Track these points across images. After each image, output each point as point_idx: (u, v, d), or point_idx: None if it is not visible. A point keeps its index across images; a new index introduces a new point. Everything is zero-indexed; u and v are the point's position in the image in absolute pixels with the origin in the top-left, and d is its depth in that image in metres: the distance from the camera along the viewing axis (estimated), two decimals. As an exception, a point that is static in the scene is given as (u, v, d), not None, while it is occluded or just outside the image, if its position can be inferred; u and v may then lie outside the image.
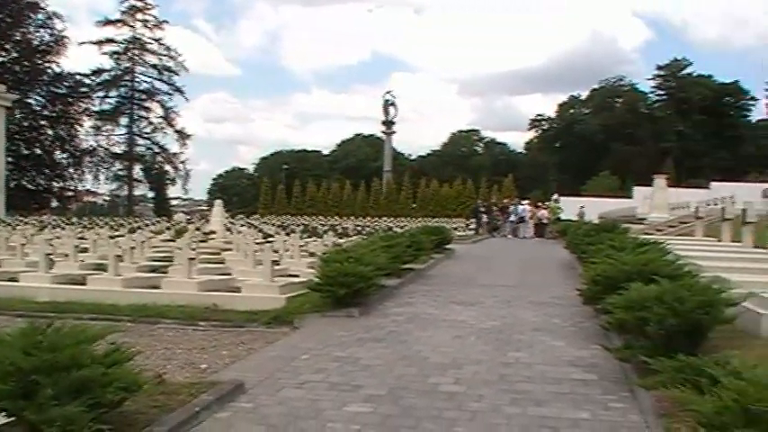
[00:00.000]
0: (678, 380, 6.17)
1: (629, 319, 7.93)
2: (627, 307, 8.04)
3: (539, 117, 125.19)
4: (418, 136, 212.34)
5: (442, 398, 7.39)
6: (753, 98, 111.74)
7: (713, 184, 60.11)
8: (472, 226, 46.33)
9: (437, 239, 24.68)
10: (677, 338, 7.48)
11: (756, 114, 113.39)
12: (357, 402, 7.17)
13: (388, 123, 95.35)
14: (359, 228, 49.27)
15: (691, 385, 5.72)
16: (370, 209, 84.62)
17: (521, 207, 43.95)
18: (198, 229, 36.91)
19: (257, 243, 19.83)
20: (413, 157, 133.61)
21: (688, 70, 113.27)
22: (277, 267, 14.95)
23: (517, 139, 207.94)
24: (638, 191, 57.03)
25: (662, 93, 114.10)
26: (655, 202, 38.50)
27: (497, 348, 9.90)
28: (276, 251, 16.25)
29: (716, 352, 7.69)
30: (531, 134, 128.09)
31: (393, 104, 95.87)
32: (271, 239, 23.95)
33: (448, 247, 27.25)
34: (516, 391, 7.67)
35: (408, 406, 7.08)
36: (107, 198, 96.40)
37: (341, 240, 25.74)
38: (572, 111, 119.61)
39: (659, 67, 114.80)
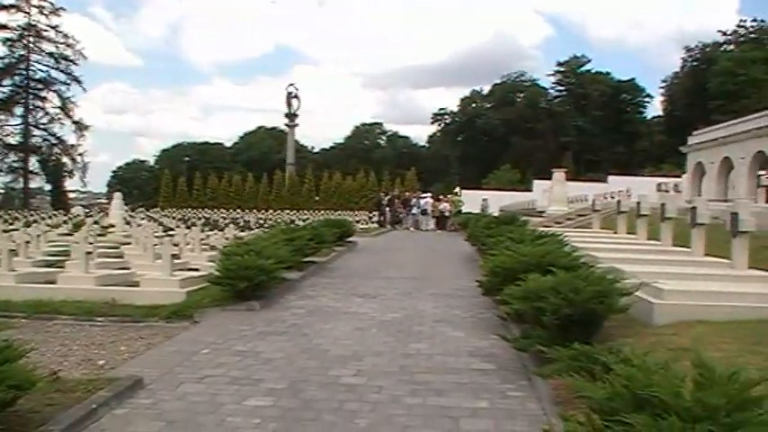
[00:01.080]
0: (573, 368, 6.29)
1: (527, 309, 8.08)
2: (524, 297, 8.20)
3: (441, 111, 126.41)
4: (322, 129, 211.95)
5: (342, 390, 7.40)
6: (648, 95, 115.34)
7: (610, 177, 61.51)
8: (375, 219, 46.48)
9: (339, 232, 24.67)
10: (573, 328, 7.65)
11: (651, 111, 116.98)
12: (257, 396, 7.13)
13: (292, 116, 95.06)
14: (261, 221, 48.99)
15: (585, 373, 5.84)
16: (273, 202, 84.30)
17: (423, 200, 44.20)
18: (96, 222, 36.21)
19: (157, 236, 19.51)
20: (316, 150, 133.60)
21: (587, 67, 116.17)
22: (177, 261, 14.72)
23: (420, 133, 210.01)
24: (538, 184, 58.04)
25: (562, 89, 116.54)
26: (554, 195, 39.14)
27: (398, 340, 9.96)
28: (176, 245, 16.01)
29: (610, 340, 7.91)
30: (434, 128, 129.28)
31: (296, 97, 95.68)
32: (171, 233, 23.62)
33: (350, 239, 27.30)
34: (416, 382, 7.74)
35: (309, 399, 7.08)
36: (1, 191, 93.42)
37: (242, 233, 25.55)
38: (474, 105, 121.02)
39: (559, 64, 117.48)
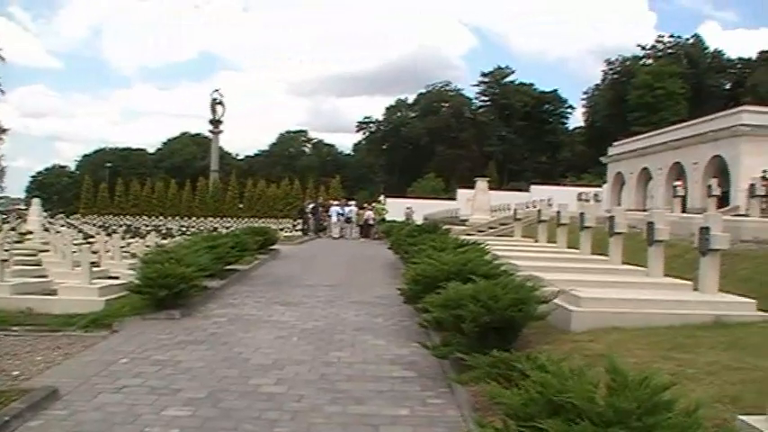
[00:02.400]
0: (492, 375, 6.37)
1: (446, 317, 8.14)
2: (444, 305, 8.25)
3: (366, 119, 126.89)
4: (246, 136, 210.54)
5: (262, 399, 7.35)
6: (570, 106, 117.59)
7: (533, 187, 62.51)
8: (299, 226, 46.31)
9: (262, 240, 24.50)
10: (492, 335, 7.73)
11: (573, 122, 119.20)
12: (176, 406, 7.03)
13: (216, 122, 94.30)
14: (184, 228, 48.49)
15: (503, 379, 5.92)
16: (196, 209, 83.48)
17: (347, 208, 44.20)
18: (13, 229, 35.36)
19: (76, 244, 19.15)
20: (240, 157, 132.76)
21: (511, 78, 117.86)
22: (96, 269, 14.47)
23: (345, 141, 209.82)
24: (462, 193, 58.66)
25: (486, 99, 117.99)
26: (476, 203, 39.55)
27: (319, 348, 9.93)
28: (95, 252, 15.74)
29: (529, 347, 8.02)
30: (359, 136, 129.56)
31: (221, 103, 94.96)
32: (91, 240, 23.22)
33: (273, 247, 27.15)
34: (337, 390, 7.72)
35: (228, 408, 7.01)
36: None
37: (164, 241, 25.23)
38: (399, 114, 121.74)
39: (484, 74, 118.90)
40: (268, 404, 7.17)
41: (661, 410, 4.20)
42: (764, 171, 26.63)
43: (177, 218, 70.70)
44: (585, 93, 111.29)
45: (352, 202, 47.78)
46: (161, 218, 70.28)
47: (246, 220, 62.37)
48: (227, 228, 39.91)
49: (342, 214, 43.09)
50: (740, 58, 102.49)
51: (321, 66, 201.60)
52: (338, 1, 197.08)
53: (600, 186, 54.67)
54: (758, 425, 4.78)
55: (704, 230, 11.15)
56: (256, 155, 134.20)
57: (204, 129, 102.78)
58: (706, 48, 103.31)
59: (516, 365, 5.62)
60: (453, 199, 64.97)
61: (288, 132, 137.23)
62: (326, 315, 12.88)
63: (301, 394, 7.54)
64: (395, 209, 50.73)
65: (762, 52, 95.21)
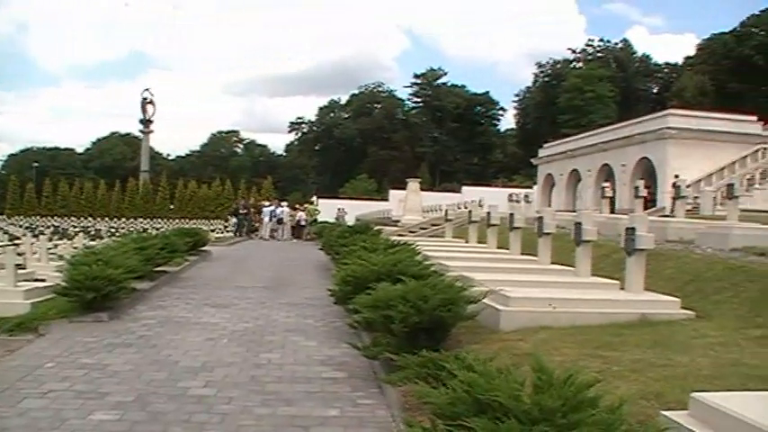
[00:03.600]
0: (421, 374, 6.40)
1: (376, 317, 8.15)
2: (373, 306, 8.26)
3: (299, 120, 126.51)
4: (178, 136, 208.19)
5: (191, 402, 7.26)
6: (502, 108, 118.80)
7: (465, 188, 62.95)
8: (231, 228, 45.98)
9: (192, 241, 24.25)
10: (421, 335, 7.77)
11: (505, 124, 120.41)
12: (103, 410, 6.90)
13: (147, 122, 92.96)
14: (113, 229, 47.76)
15: (433, 379, 5.96)
16: (126, 210, 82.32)
17: (279, 209, 43.99)
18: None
19: (1, 245, 18.74)
20: (172, 157, 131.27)
21: (443, 80, 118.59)
22: (22, 271, 14.16)
23: (278, 141, 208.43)
24: (394, 194, 58.81)
25: (418, 100, 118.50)
26: (408, 204, 39.74)
27: (249, 350, 9.86)
28: (21, 254, 15.39)
29: (458, 347, 8.07)
30: (292, 136, 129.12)
31: (151, 102, 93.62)
32: (17, 242, 22.74)
33: (204, 249, 26.89)
34: (267, 392, 7.68)
35: (157, 411, 6.91)
36: None
37: (93, 243, 24.81)
38: (332, 115, 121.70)
39: (416, 76, 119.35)
40: (197, 407, 7.09)
41: (585, 407, 4.25)
42: (677, 176, 27.25)
43: (107, 219, 69.64)
44: (517, 95, 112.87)
45: (285, 203, 47.59)
46: (90, 219, 69.16)
47: (177, 221, 61.70)
48: (158, 229, 39.42)
49: (274, 215, 42.89)
50: (667, 63, 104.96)
51: (254, 66, 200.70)
52: (271, 1, 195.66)
53: (531, 187, 55.33)
54: (680, 420, 4.88)
55: (630, 231, 11.36)
56: (188, 155, 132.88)
57: (135, 128, 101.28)
58: (634, 52, 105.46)
59: (444, 365, 5.65)
60: (386, 200, 65.12)
61: (220, 133, 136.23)
62: (257, 317, 12.79)
63: (231, 396, 7.48)
64: (327, 210, 50.67)
65: (687, 57, 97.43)
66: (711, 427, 4.68)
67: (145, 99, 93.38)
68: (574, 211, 24.02)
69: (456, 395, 4.50)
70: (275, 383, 8.08)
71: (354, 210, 53.74)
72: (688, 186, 26.59)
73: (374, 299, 8.36)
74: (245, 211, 44.33)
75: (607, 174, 42.97)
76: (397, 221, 38.89)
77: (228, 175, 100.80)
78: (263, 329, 11.57)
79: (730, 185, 19.35)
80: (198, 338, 10.67)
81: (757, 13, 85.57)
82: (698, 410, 4.91)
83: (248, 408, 7.10)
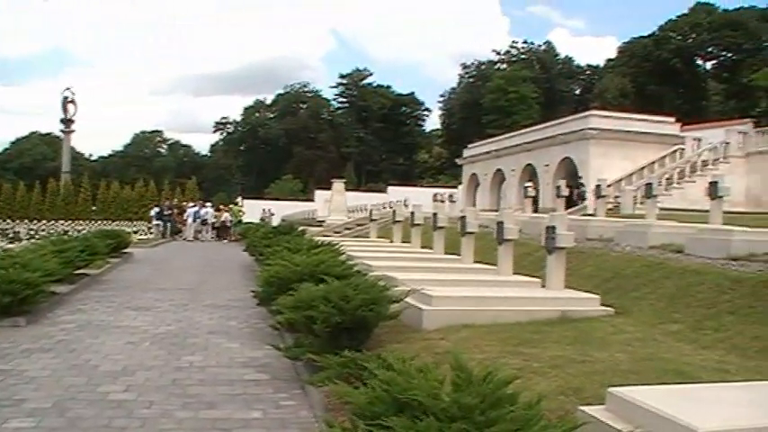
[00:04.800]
0: (343, 375, 6.40)
1: (298, 318, 8.14)
2: (295, 307, 8.25)
3: (224, 120, 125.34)
4: (100, 136, 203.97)
5: (111, 406, 7.13)
6: (427, 109, 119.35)
7: (390, 188, 63.17)
8: (154, 229, 45.39)
9: (114, 243, 23.88)
10: (344, 335, 7.79)
11: (430, 124, 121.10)
12: (19, 417, 6.72)
13: (68, 121, 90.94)
14: (33, 232, 46.70)
15: (355, 379, 5.96)
16: (47, 212, 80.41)
17: (204, 210, 43.62)
18: None
19: None
20: (94, 158, 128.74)
21: (369, 80, 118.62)
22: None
23: (203, 142, 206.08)
24: (320, 194, 58.69)
25: (344, 100, 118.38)
26: (333, 205, 39.76)
27: (171, 353, 9.75)
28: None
29: (381, 346, 8.10)
30: (217, 136, 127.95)
31: (73, 102, 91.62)
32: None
33: (126, 251, 26.49)
34: (188, 395, 7.59)
35: (75, 417, 6.77)
36: None
37: (11, 245, 24.27)
38: (257, 114, 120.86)
39: (342, 76, 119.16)
40: (117, 411, 6.96)
41: (504, 404, 4.31)
42: (580, 178, 27.81)
43: (26, 221, 68.02)
44: (442, 96, 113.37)
45: (209, 204, 47.23)
46: (8, 221, 67.45)
47: (100, 222, 60.48)
48: (80, 231, 38.66)
49: (198, 216, 42.51)
50: (589, 65, 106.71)
51: (178, 65, 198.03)
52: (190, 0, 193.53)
53: (456, 187, 55.75)
54: (597, 414, 4.96)
55: (550, 230, 11.52)
56: (110, 156, 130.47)
57: (55, 128, 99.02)
58: (557, 54, 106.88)
59: (365, 365, 5.66)
60: (311, 200, 64.95)
61: (143, 133, 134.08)
62: (179, 319, 12.65)
63: (151, 400, 7.37)
64: (253, 210, 50.35)
65: (609, 60, 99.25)
66: (627, 420, 4.76)
67: (66, 98, 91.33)
68: (497, 211, 24.27)
69: (375, 394, 4.51)
70: (197, 386, 7.99)
71: (280, 210, 53.44)
72: (609, 186, 27.10)
73: (296, 299, 8.35)
74: (168, 212, 43.82)
75: (531, 173, 43.51)
76: (323, 222, 38.84)
77: (152, 175, 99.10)
78: (186, 332, 11.45)
79: (648, 185, 19.81)
80: (119, 342, 10.50)
81: (674, 18, 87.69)
82: (614, 405, 5.00)
83: (169, 411, 7.01)
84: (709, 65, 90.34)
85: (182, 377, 8.40)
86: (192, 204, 46.12)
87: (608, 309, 10.47)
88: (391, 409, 4.36)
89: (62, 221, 62.03)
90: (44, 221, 64.34)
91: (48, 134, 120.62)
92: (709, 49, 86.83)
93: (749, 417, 4.58)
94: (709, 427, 4.23)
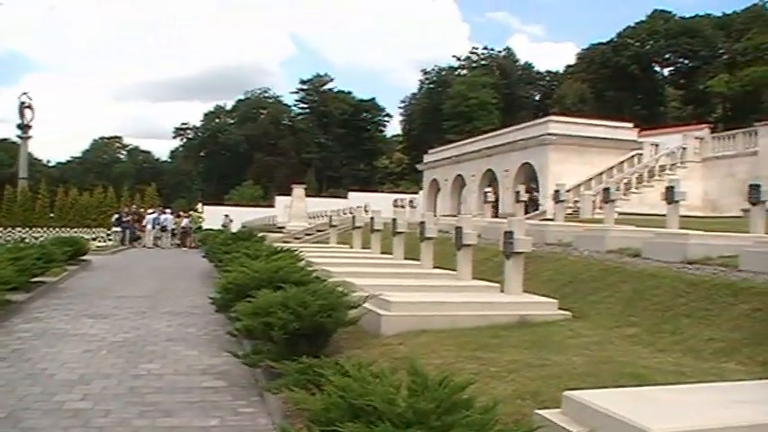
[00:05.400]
0: (301, 381, 6.38)
1: (256, 324, 8.10)
2: (254, 313, 8.22)
3: (184, 126, 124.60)
4: (58, 141, 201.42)
5: (67, 416, 7.06)
6: (388, 115, 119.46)
7: (351, 194, 63.10)
8: (113, 236, 45.00)
9: (72, 250, 23.63)
10: (302, 341, 7.77)
11: (391, 130, 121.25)
12: (-28, 429, 6.67)
13: (25, 127, 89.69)
14: (-12, 239, 46.01)
15: (313, 385, 5.95)
16: (3, 219, 79.32)
17: (163, 216, 43.35)
18: None
19: None
20: (52, 164, 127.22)
21: (330, 86, 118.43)
22: None
23: (162, 148, 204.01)
24: (280, 200, 58.47)
25: (305, 106, 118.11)
26: (293, 211, 39.68)
27: (129, 361, 9.67)
28: None
29: (339, 352, 8.09)
30: (177, 142, 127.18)
31: (30, 107, 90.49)
32: None
33: (84, 258, 26.23)
34: (146, 404, 7.54)
35: (30, 427, 6.69)
36: None
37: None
38: (217, 120, 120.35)
39: (302, 82, 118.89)
40: (73, 421, 6.90)
41: (459, 409, 4.33)
42: (533, 185, 28.14)
43: (-18, 229, 67.04)
44: (403, 101, 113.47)
45: (168, 210, 46.94)
46: (-36, 229, 66.42)
47: (58, 229, 59.78)
48: (37, 238, 38.17)
49: (157, 223, 42.22)
50: (548, 71, 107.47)
51: (137, 70, 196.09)
52: (152, 4, 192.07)
53: (417, 193, 55.84)
54: (553, 418, 5.00)
55: (508, 235, 11.58)
56: (68, 162, 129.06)
57: (12, 134, 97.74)
58: (517, 60, 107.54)
59: (320, 371, 5.66)
60: (272, 206, 64.73)
61: (102, 138, 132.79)
62: (137, 326, 12.55)
63: (108, 409, 7.31)
64: (213, 217, 50.11)
65: (568, 66, 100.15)
66: (582, 423, 4.81)
67: (22, 103, 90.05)
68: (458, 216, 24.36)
69: (331, 401, 4.51)
70: (155, 394, 7.95)
71: (241, 216, 53.20)
72: (568, 191, 27.30)
73: (254, 306, 8.32)
74: (127, 218, 43.46)
75: (491, 179, 43.68)
76: (283, 228, 38.75)
77: (111, 181, 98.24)
78: (144, 339, 11.38)
79: (606, 190, 19.99)
80: (76, 350, 10.40)
81: (632, 25, 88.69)
82: (570, 408, 5.04)
83: (126, 420, 6.96)
84: (666, 71, 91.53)
85: (139, 385, 8.34)
86: (151, 211, 45.78)
87: (566, 313, 10.55)
88: (347, 415, 4.36)
89: (19, 228, 61.14)
90: (0, 229, 63.47)
91: (4, 140, 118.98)
92: (667, 56, 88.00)
93: (702, 418, 4.64)
94: (660, 429, 4.28)
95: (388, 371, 5.01)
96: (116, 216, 45.28)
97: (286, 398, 6.81)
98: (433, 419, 4.16)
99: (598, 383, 6.20)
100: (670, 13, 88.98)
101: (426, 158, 56.08)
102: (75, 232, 46.87)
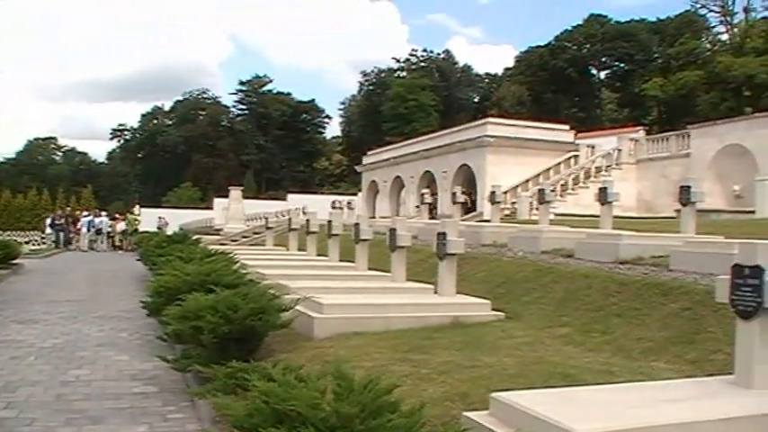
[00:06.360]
0: (230, 386, 6.32)
1: (185, 329, 8.01)
2: (183, 317, 8.12)
3: (121, 127, 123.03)
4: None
5: (-11, 425, 6.91)
6: (328, 116, 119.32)
7: (290, 196, 62.80)
8: (48, 239, 44.26)
9: (2, 254, 23.16)
10: (232, 345, 7.69)
11: (331, 131, 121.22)
12: None
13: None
14: None
15: (243, 390, 5.89)
16: (-68, 222, 77.64)
17: (98, 219, 42.78)
18: None
19: None
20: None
21: (269, 87, 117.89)
22: None
23: (99, 149, 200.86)
24: (219, 202, 58.09)
25: (244, 107, 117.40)
26: (230, 213, 39.55)
27: (57, 367, 9.49)
28: None
29: (272, 356, 8.03)
30: (114, 144, 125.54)
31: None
32: None
33: (15, 261, 25.68)
34: (73, 411, 7.39)
35: (-50, 439, 6.54)
36: None
37: None
38: (155, 121, 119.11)
39: (242, 83, 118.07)
40: (-5, 431, 6.75)
41: (384, 412, 4.31)
42: (463, 192, 28.49)
43: None
44: (342, 103, 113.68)
45: (104, 213, 46.33)
46: None
47: (-9, 232, 58.68)
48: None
49: (92, 225, 41.64)
50: (487, 74, 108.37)
51: (70, 69, 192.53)
52: (86, 3, 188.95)
53: (356, 194, 55.90)
54: (480, 419, 5.02)
55: (441, 236, 11.60)
56: (1, 163, 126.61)
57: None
58: (456, 62, 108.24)
59: (243, 376, 5.61)
60: (210, 208, 64.23)
61: (36, 139, 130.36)
62: (68, 332, 12.32)
63: (33, 417, 7.14)
64: (150, 219, 49.47)
65: (507, 68, 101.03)
66: (509, 424, 4.84)
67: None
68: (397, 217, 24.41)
69: (254, 406, 4.47)
70: (82, 401, 7.80)
71: (179, 219, 52.64)
72: (505, 192, 27.53)
73: (183, 310, 8.22)
74: (61, 221, 42.77)
75: (429, 180, 43.87)
76: (220, 230, 38.54)
77: (46, 183, 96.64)
78: (74, 345, 11.18)
79: (541, 191, 20.19)
80: (2, 357, 10.17)
81: (570, 28, 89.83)
82: (497, 409, 5.06)
83: (51, 428, 6.83)
84: (603, 74, 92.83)
85: (67, 392, 8.18)
86: (86, 213, 45.15)
87: (499, 314, 10.60)
88: (270, 420, 4.33)
89: (-50, 233, 59.86)
90: (-71, 233, 62.08)
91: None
92: (603, 59, 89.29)
93: (628, 417, 4.69)
94: (584, 429, 4.32)
95: (314, 375, 4.98)
96: (50, 219, 44.49)
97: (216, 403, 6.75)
98: (357, 424, 4.15)
99: (528, 384, 6.24)
100: (606, 17, 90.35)
101: (365, 160, 56.15)
102: (9, 235, 45.91)
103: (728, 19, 71.48)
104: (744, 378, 5.60)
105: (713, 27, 76.56)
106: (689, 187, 15.25)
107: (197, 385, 7.68)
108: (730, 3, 69.84)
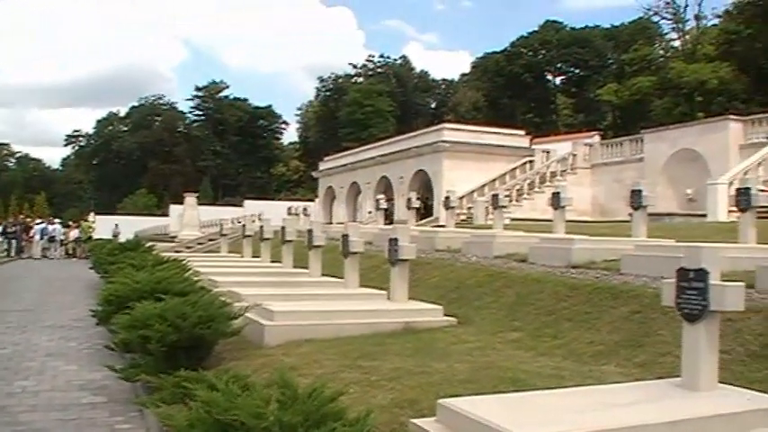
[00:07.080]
0: (177, 396, 6.25)
1: (133, 338, 7.92)
2: (131, 326, 8.03)
3: (76, 133, 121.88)
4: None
5: (-71, 441, 6.77)
6: (285, 122, 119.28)
7: (247, 202, 62.64)
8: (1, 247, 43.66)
9: (-50, 264, 22.83)
10: (181, 354, 7.60)
11: (288, 137, 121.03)
12: None
13: None
14: None
15: (190, 399, 5.82)
16: None
17: (51, 226, 42.27)
18: None
19: None
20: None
21: (225, 93, 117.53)
22: None
23: (53, 155, 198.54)
24: (174, 209, 57.75)
25: (200, 113, 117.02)
26: (186, 219, 39.27)
27: (3, 378, 9.31)
28: None
29: (222, 364, 7.96)
30: (68, 150, 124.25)
31: None
32: None
33: (-35, 271, 25.35)
34: (18, 423, 7.27)
35: None
36: None
37: None
38: (111, 127, 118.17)
39: (198, 89, 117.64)
40: (-65, 446, 6.62)
41: (329, 421, 4.28)
42: (419, 197, 28.71)
43: None
44: (299, 109, 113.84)
45: (57, 220, 45.78)
46: None
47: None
48: None
49: (45, 233, 41.14)
50: (444, 79, 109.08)
51: (20, 74, 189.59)
52: (37, 6, 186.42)
53: (313, 200, 55.82)
54: (427, 426, 4.99)
55: (393, 242, 11.58)
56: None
57: None
58: (413, 68, 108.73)
59: (186, 385, 5.55)
60: (166, 215, 63.82)
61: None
62: (16, 342, 12.11)
63: (-25, 430, 7.03)
64: (105, 226, 49.03)
65: (463, 74, 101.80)
66: (456, 431, 4.81)
67: None
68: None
69: (196, 416, 4.42)
70: (28, 413, 7.67)
71: (134, 226, 52.19)
72: (462, 198, 27.60)
73: (131, 318, 8.12)
74: (13, 229, 42.16)
75: (386, 186, 43.94)
76: (175, 237, 38.27)
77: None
78: (22, 355, 10.99)
79: (495, 196, 20.26)
80: (-57, 371, 9.98)
81: (525, 34, 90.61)
82: (444, 416, 5.04)
83: (-5, 441, 6.71)
84: (558, 80, 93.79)
85: (12, 404, 8.04)
86: (38, 221, 44.59)
87: (451, 319, 10.59)
88: (212, 430, 4.29)
89: None
90: None
91: None
92: (559, 65, 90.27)
93: (575, 421, 4.70)
94: (528, 434, 4.33)
95: (259, 384, 4.94)
96: (2, 226, 43.83)
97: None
98: (301, 432, 4.12)
99: (478, 389, 6.22)
100: (561, 23, 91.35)
101: (322, 166, 56.14)
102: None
103: (680, 26, 72.78)
104: (690, 380, 5.65)
105: (666, 34, 78.18)
106: (640, 191, 15.34)
107: (145, 395, 7.59)
108: (682, 10, 71.02)
